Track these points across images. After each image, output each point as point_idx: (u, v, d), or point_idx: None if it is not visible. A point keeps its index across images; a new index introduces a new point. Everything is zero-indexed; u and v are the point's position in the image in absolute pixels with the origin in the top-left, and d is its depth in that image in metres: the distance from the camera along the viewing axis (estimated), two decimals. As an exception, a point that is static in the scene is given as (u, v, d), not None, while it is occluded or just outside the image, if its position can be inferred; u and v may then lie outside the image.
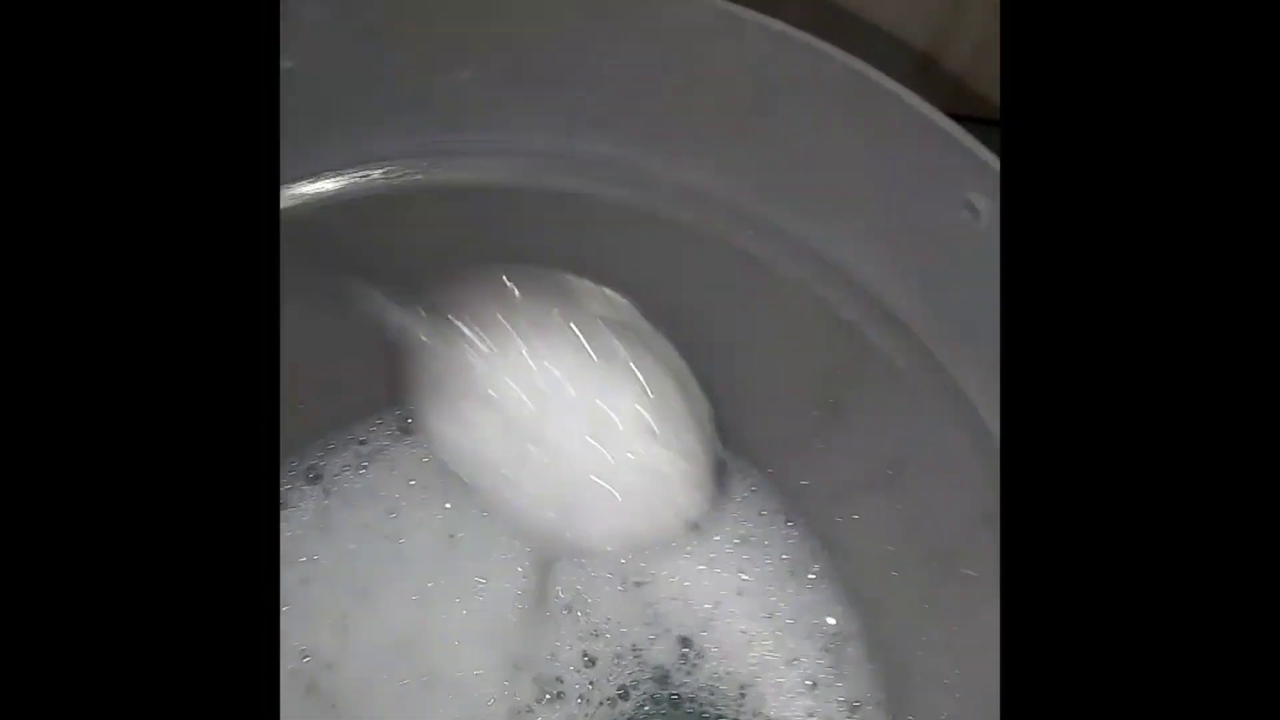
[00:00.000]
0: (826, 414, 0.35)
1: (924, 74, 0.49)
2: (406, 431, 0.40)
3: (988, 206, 0.26)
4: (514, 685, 0.37)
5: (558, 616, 0.38)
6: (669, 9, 0.28)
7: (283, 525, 0.38)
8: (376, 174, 0.33)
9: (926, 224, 0.28)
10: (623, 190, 0.33)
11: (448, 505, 0.39)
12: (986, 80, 0.48)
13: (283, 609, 0.36)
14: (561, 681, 0.37)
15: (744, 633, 0.38)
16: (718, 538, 0.39)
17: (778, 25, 0.27)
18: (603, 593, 0.39)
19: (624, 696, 0.37)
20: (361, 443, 0.40)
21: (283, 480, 0.39)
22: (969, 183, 0.26)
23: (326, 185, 0.32)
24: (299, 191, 0.33)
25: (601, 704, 0.37)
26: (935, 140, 0.26)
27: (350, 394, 0.39)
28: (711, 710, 0.37)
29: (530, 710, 0.37)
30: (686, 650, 0.38)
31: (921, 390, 0.31)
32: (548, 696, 0.37)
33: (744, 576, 0.39)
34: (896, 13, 0.46)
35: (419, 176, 0.33)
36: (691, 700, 0.37)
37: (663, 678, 0.38)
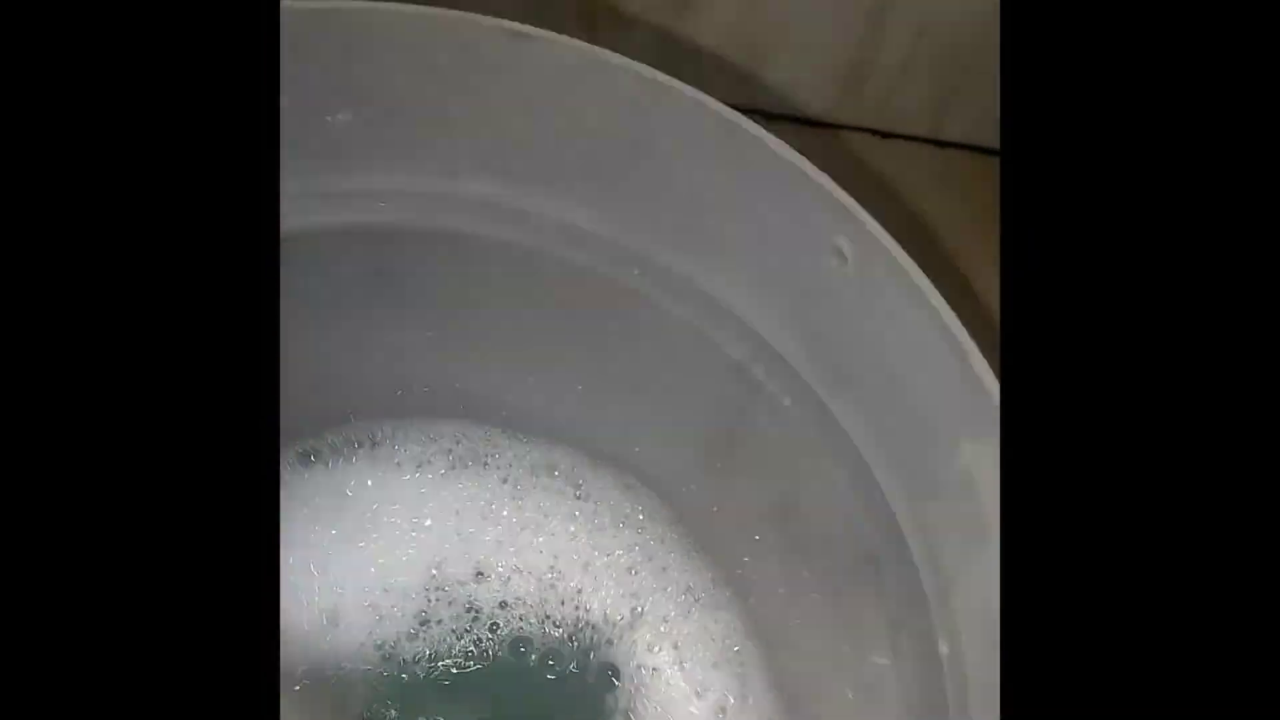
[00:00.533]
0: (721, 450, 0.35)
1: (848, 92, 0.49)
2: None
3: (854, 251, 0.26)
4: None
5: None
6: (538, 53, 0.28)
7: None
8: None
9: (799, 268, 0.28)
10: (508, 229, 0.33)
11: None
12: (911, 98, 0.49)
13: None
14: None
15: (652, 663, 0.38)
16: (639, 572, 0.39)
17: (645, 70, 0.27)
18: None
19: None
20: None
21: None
22: (836, 228, 0.26)
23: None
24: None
25: None
26: (803, 187, 0.26)
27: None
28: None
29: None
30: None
31: (806, 428, 0.31)
32: None
33: (644, 604, 0.39)
34: (819, 31, 0.46)
35: (298, 219, 0.33)
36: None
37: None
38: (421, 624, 0.38)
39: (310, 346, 0.37)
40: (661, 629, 0.39)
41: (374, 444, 0.40)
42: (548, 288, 0.34)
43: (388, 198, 0.33)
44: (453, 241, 0.33)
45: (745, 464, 0.35)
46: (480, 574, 0.38)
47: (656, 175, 0.30)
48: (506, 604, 0.38)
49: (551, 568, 0.39)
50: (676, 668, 0.38)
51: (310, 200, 0.33)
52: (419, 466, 0.39)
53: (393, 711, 0.36)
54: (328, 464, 0.39)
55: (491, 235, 0.33)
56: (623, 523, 0.39)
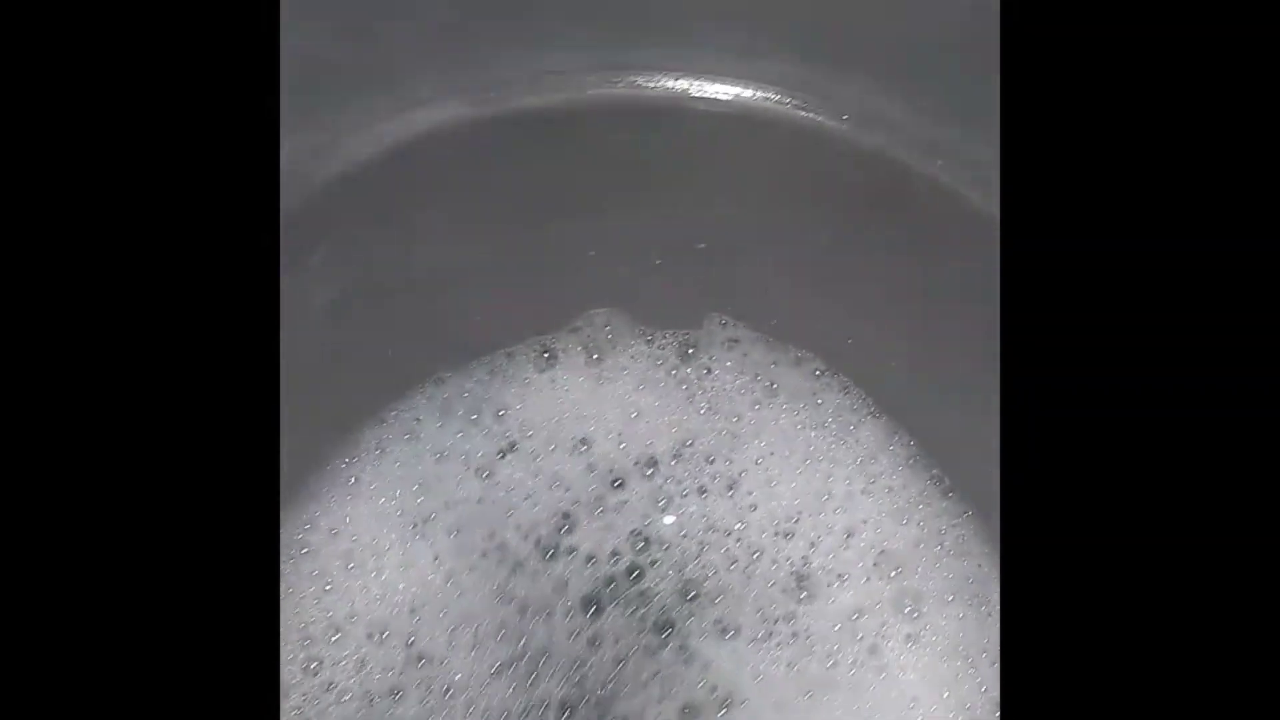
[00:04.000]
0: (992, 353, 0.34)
1: None
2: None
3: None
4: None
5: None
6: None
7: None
8: (547, 93, 0.31)
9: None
10: (806, 113, 0.32)
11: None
12: None
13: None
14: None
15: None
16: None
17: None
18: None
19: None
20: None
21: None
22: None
23: (499, 103, 0.31)
24: (466, 109, 0.31)
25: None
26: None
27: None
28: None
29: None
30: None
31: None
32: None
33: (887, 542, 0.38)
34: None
35: (570, 95, 0.32)
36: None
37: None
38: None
39: (563, 236, 0.36)
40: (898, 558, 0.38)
41: (602, 349, 0.39)
42: (835, 175, 0.32)
43: (670, 71, 0.32)
44: (734, 120, 0.32)
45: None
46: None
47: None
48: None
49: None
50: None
51: (588, 75, 0.32)
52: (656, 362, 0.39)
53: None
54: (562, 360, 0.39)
55: (785, 116, 0.32)
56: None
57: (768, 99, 0.31)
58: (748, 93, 0.32)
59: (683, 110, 0.32)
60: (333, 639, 0.36)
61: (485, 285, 0.37)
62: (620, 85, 0.32)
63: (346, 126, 0.29)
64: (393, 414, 0.38)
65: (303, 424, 0.27)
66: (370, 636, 0.36)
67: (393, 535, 0.37)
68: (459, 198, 0.32)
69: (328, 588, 0.36)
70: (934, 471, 0.38)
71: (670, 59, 0.31)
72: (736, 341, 0.39)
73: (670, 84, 0.32)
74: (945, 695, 0.35)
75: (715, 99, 0.32)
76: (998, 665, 0.36)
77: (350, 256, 0.31)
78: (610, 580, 0.37)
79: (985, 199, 0.31)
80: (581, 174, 0.34)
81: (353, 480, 0.37)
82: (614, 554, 0.37)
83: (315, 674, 0.36)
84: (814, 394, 0.39)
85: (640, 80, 0.32)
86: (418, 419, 0.38)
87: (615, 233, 0.36)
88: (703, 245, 0.36)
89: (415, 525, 0.37)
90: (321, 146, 0.29)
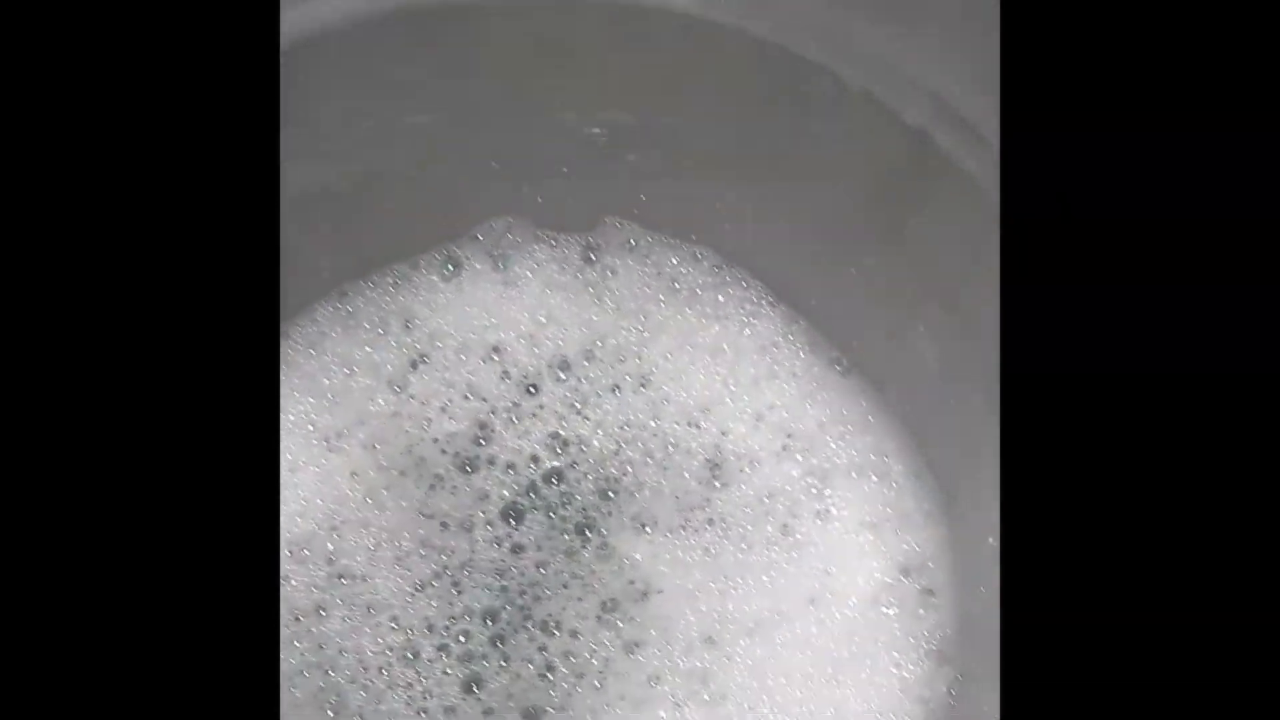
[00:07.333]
0: (883, 232, 0.35)
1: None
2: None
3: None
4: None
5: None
6: None
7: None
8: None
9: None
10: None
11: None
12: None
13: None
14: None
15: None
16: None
17: None
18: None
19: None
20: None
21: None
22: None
23: None
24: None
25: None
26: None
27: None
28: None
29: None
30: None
31: (994, 193, 0.30)
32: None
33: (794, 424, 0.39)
34: None
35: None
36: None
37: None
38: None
39: (456, 140, 0.36)
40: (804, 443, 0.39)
41: (506, 256, 0.40)
42: (714, 58, 0.33)
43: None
44: (621, 11, 0.32)
45: (911, 244, 0.34)
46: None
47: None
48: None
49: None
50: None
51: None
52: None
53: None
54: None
55: (664, 4, 0.32)
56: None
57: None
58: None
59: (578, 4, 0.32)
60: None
61: (383, 193, 0.36)
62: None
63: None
64: (296, 328, 0.38)
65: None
66: (291, 554, 0.36)
67: (305, 451, 0.37)
68: (346, 102, 0.32)
69: (245, 505, 0.37)
70: (833, 354, 0.38)
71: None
72: (636, 242, 0.39)
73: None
74: (854, 564, 0.36)
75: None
76: (901, 534, 0.37)
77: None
78: (530, 487, 0.38)
79: (869, 80, 0.31)
80: (472, 74, 0.34)
81: (260, 396, 0.38)
82: (533, 459, 0.38)
83: (240, 592, 0.36)
84: (714, 288, 0.39)
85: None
86: (322, 332, 0.38)
87: (509, 136, 0.36)
88: (597, 131, 0.36)
89: (328, 440, 0.38)
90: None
